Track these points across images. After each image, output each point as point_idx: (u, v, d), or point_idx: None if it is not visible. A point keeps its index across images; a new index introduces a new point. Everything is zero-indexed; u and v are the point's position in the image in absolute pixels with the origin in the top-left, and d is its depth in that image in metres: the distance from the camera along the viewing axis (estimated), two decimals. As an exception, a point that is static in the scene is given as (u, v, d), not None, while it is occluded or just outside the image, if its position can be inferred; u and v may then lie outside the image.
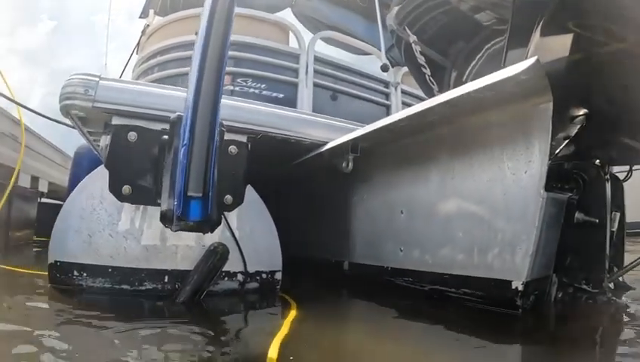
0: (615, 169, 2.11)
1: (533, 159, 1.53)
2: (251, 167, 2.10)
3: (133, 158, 1.92)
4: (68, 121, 2.37)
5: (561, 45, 1.64)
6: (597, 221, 1.82)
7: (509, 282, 1.56)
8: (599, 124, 1.70)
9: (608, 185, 1.88)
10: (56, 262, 1.93)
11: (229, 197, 2.00)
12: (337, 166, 2.22)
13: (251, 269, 2.08)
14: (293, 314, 1.69)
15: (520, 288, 1.53)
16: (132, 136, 1.91)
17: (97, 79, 2.05)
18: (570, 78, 1.60)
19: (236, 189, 2.01)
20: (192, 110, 1.25)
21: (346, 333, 1.70)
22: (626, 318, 1.69)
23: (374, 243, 2.33)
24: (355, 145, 2.17)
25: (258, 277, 2.11)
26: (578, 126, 1.66)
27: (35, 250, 4.45)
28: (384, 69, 3.05)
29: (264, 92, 2.81)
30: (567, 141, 1.68)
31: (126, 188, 1.89)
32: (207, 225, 1.25)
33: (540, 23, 1.77)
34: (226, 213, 1.98)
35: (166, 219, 1.42)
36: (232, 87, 2.76)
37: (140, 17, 4.02)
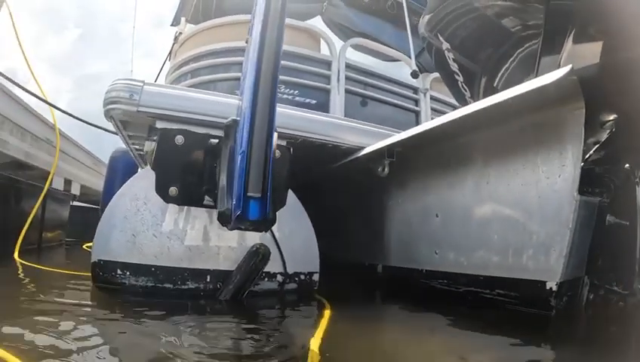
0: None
1: (567, 163, 1.57)
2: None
3: (180, 161, 1.98)
4: (107, 126, 2.44)
5: (592, 51, 1.68)
6: (627, 223, 1.83)
7: (544, 283, 1.58)
8: (629, 129, 1.72)
9: (638, 189, 1.89)
10: (99, 260, 1.99)
11: (272, 200, 2.04)
12: (373, 170, 2.26)
13: (290, 270, 2.12)
14: (328, 313, 1.73)
15: (554, 288, 1.55)
16: (179, 139, 1.98)
17: (142, 84, 2.12)
18: (600, 83, 1.63)
19: (279, 192, 2.05)
20: (251, 114, 1.30)
21: (381, 333, 1.74)
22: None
23: (409, 246, 2.35)
24: (391, 151, 2.21)
25: (297, 278, 2.15)
26: (608, 131, 1.68)
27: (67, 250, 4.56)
28: (414, 75, 3.08)
29: (297, 98, 2.85)
30: (597, 145, 1.71)
31: (173, 190, 1.95)
32: (264, 223, 1.30)
33: (572, 30, 1.82)
34: (267, 215, 2.02)
35: (224, 218, 1.46)
36: (266, 93, 2.81)
37: (172, 25, 4.11)
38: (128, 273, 1.98)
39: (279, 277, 2.11)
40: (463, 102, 2.66)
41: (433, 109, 3.28)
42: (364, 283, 2.68)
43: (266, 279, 2.08)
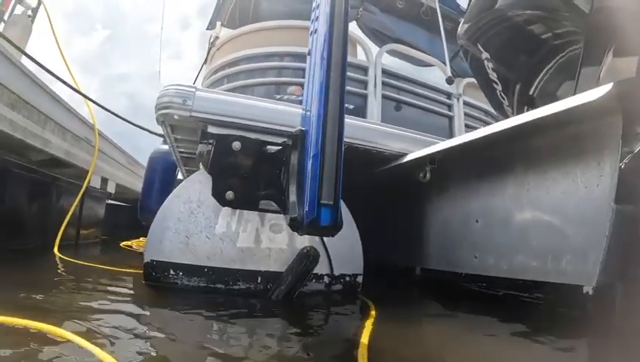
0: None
1: (604, 173, 1.64)
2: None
3: (237, 166, 2.06)
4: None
5: (630, 65, 1.75)
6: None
7: (580, 287, 1.65)
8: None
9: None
10: (152, 261, 2.07)
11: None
12: (415, 176, 2.33)
13: (337, 272, 2.19)
14: (373, 314, 1.80)
15: (590, 293, 1.62)
16: (236, 145, 2.05)
17: (194, 90, 2.19)
18: (637, 96, 1.68)
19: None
20: (322, 124, 1.36)
21: (422, 332, 1.79)
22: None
23: (448, 249, 2.42)
24: (433, 158, 2.28)
25: (342, 280, 2.22)
26: (641, 141, 1.73)
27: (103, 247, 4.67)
28: (449, 81, 3.13)
29: (336, 104, 2.91)
30: (631, 155, 1.76)
31: (229, 194, 2.03)
32: (334, 229, 1.36)
33: (613, 44, 1.87)
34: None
35: (295, 224, 1.53)
36: (305, 99, 2.88)
37: (207, 29, 4.19)
38: (181, 273, 2.06)
39: (326, 279, 2.18)
40: (500, 110, 2.71)
41: (466, 114, 3.34)
42: (403, 285, 2.74)
43: (314, 280, 2.15)
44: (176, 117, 2.19)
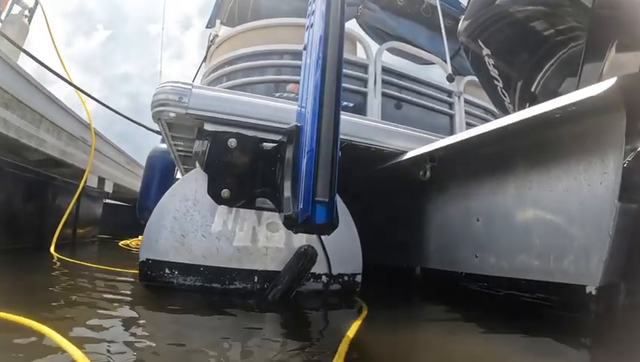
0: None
1: (608, 171, 1.60)
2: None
3: (233, 164, 2.02)
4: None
5: (633, 60, 1.70)
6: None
7: (583, 287, 1.61)
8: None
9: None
10: (147, 260, 2.04)
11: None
12: (415, 174, 2.29)
13: (335, 271, 2.15)
14: (364, 314, 1.75)
15: (594, 292, 1.58)
16: (232, 142, 2.02)
17: (190, 87, 2.16)
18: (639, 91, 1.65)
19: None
20: (317, 120, 1.33)
21: (419, 332, 1.77)
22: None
23: (448, 249, 2.38)
24: (433, 155, 2.24)
25: (340, 280, 2.18)
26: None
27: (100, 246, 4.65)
28: (450, 79, 3.10)
29: (335, 101, 2.88)
30: (635, 152, 1.73)
31: (225, 192, 2.00)
32: (330, 227, 1.33)
33: (616, 39, 1.83)
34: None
35: (290, 222, 1.50)
36: (304, 96, 2.85)
37: (207, 27, 4.16)
38: (176, 272, 2.03)
39: (324, 278, 2.15)
40: (501, 108, 2.68)
41: (467, 112, 3.30)
42: (402, 285, 2.71)
43: (312, 280, 2.11)
44: (172, 114, 2.15)
